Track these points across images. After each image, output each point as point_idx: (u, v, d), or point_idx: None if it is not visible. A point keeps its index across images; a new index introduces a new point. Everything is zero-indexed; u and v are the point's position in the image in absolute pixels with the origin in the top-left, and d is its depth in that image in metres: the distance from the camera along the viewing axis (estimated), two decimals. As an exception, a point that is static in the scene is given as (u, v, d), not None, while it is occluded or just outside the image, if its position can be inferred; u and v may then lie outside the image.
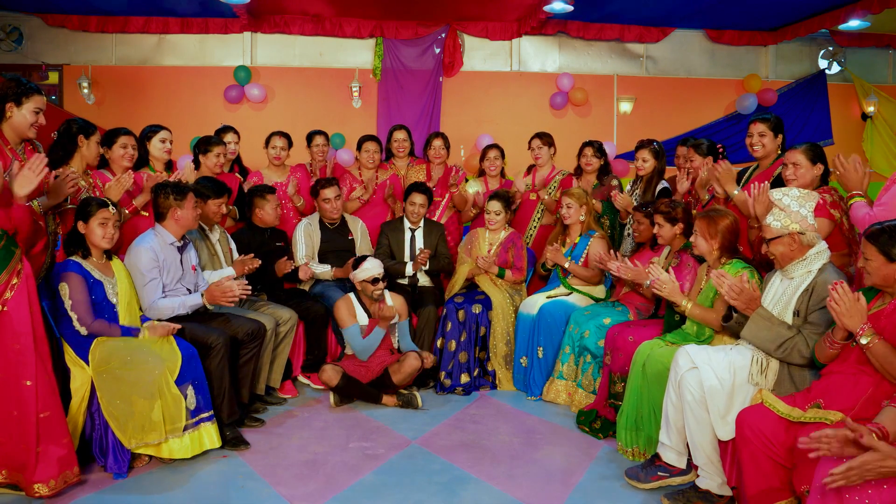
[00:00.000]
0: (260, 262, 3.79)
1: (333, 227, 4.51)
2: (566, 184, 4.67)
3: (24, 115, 2.82)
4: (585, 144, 4.70)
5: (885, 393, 2.10)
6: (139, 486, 2.80)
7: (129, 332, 3.01)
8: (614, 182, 4.52)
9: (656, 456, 2.86)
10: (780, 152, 3.52)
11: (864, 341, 2.13)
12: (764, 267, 2.99)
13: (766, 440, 2.23)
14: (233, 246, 4.00)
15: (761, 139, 3.50)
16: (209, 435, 3.04)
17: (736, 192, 3.38)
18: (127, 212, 3.52)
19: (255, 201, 4.18)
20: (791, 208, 2.56)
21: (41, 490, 2.56)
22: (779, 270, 2.68)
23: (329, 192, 4.36)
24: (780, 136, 3.51)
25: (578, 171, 4.76)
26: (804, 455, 2.04)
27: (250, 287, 3.42)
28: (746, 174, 3.63)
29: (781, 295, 2.62)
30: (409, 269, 4.47)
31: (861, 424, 1.79)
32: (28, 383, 2.53)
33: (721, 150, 4.01)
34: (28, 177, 2.57)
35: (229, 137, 4.76)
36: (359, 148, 5.02)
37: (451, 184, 4.83)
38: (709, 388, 2.57)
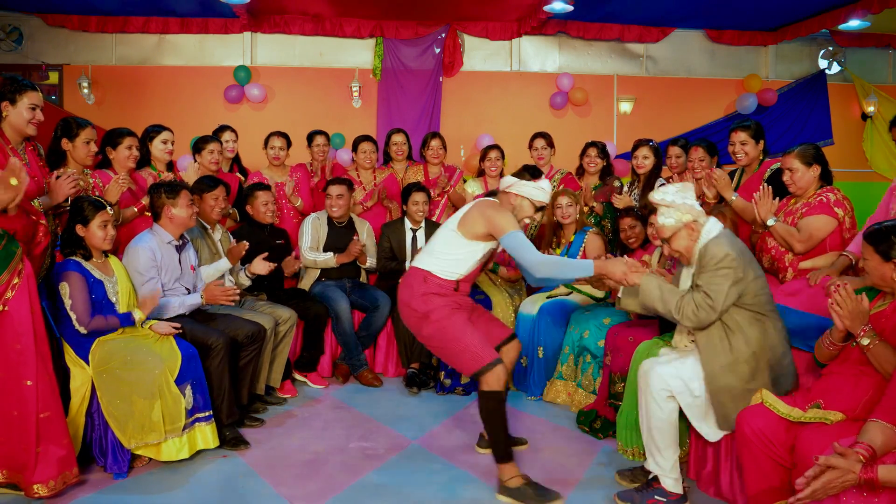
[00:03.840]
0: (248, 244, 3.80)
1: (341, 225, 4.55)
2: (566, 183, 4.66)
3: (21, 113, 2.83)
4: (589, 145, 4.69)
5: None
6: (139, 486, 2.80)
7: (128, 317, 3.01)
8: (616, 183, 4.52)
9: (654, 479, 2.73)
10: (762, 157, 3.56)
11: (864, 342, 2.13)
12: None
13: (766, 440, 2.23)
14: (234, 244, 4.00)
15: (743, 147, 3.52)
16: (204, 435, 3.03)
17: (734, 197, 3.39)
18: (136, 210, 3.53)
19: (248, 198, 4.26)
20: (676, 202, 2.58)
21: (40, 490, 2.56)
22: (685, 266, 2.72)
23: (332, 190, 4.45)
24: (762, 142, 3.53)
25: (580, 171, 4.76)
26: (804, 455, 2.04)
27: (238, 293, 3.49)
28: (734, 179, 3.64)
29: (685, 278, 2.68)
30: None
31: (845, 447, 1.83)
32: (28, 383, 2.53)
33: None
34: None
35: (227, 136, 4.76)
36: (354, 149, 5.04)
37: (441, 186, 4.88)
38: (686, 405, 2.60)
